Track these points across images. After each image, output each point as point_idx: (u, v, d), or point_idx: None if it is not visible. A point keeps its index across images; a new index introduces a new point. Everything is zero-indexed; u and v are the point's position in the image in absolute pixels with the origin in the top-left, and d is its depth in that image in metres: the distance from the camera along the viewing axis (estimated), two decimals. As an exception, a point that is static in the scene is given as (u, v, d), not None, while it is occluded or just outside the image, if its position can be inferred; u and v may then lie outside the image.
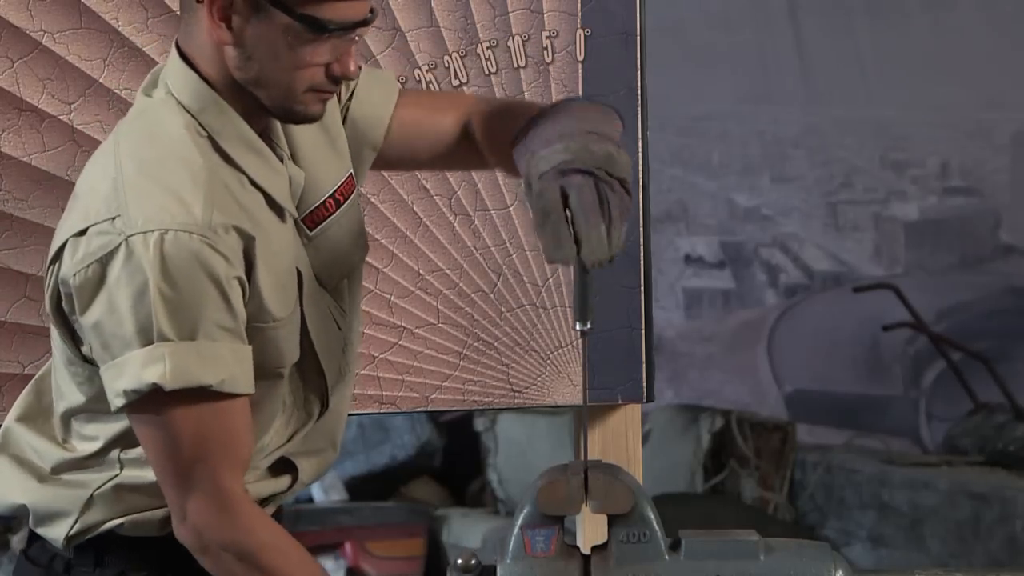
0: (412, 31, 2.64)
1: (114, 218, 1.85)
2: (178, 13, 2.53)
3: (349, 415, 2.65)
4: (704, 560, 1.77)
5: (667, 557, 1.77)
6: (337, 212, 2.03)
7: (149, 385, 1.83)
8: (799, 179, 7.14)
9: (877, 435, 6.61)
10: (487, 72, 2.67)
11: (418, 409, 2.71)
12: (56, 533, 1.99)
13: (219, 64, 1.91)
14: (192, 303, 1.83)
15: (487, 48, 2.67)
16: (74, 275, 1.85)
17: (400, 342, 2.66)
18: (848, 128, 7.07)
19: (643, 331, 2.72)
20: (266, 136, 1.97)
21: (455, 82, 2.66)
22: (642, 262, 2.71)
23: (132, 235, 1.83)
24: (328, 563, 5.43)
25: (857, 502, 5.54)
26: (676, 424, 5.92)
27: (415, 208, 2.65)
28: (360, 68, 2.02)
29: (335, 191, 2.03)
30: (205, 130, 1.92)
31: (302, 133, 2.01)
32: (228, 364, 1.86)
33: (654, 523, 1.77)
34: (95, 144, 2.29)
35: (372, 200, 2.64)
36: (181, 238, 1.83)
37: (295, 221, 1.99)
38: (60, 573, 2.00)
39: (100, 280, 1.84)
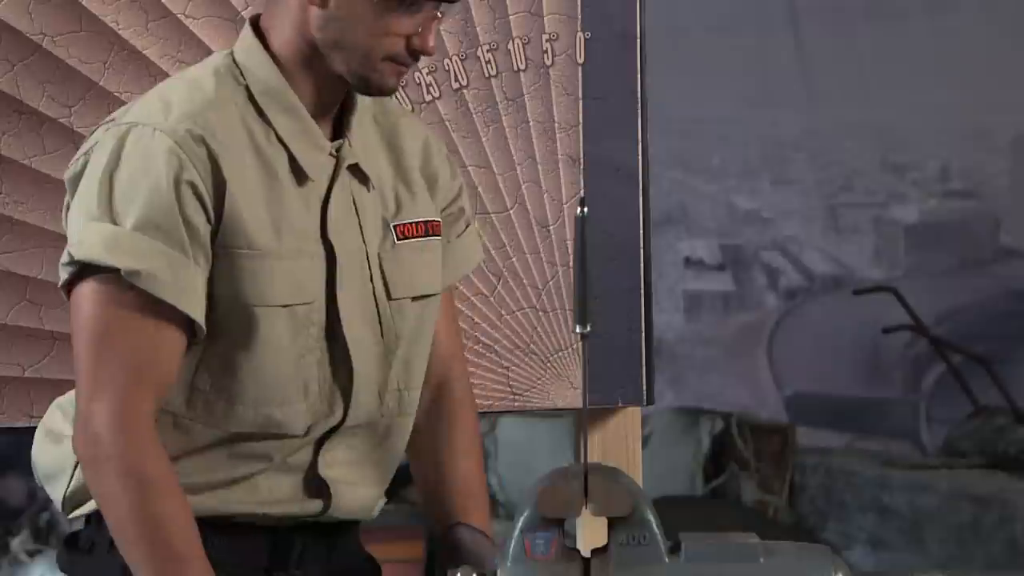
0: (412, 34, 2.64)
1: (109, 122, 1.95)
2: (178, 16, 2.54)
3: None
4: (704, 563, 1.77)
5: (667, 560, 1.77)
6: (418, 240, 2.06)
7: (67, 257, 1.88)
8: (799, 182, 7.15)
9: (877, 438, 6.60)
10: (487, 75, 2.67)
11: (418, 412, 2.70)
12: (56, 493, 2.01)
13: (297, 32, 1.96)
14: (131, 193, 1.87)
15: (487, 51, 2.67)
16: (68, 173, 1.96)
17: (400, 345, 2.66)
18: (848, 131, 7.07)
19: (643, 334, 2.72)
20: (329, 116, 2.01)
21: (455, 85, 2.66)
22: (642, 265, 2.71)
23: (108, 129, 1.92)
24: (328, 566, 5.43)
25: (857, 505, 5.55)
26: (676, 427, 5.93)
27: (415, 211, 2.65)
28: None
29: (424, 221, 2.07)
30: (245, 79, 1.97)
31: (374, 151, 2.05)
32: (151, 260, 1.86)
33: (654, 526, 1.77)
34: (95, 147, 2.30)
35: (372, 203, 2.64)
36: (143, 131, 1.90)
37: (391, 228, 2.03)
38: (105, 553, 1.98)
39: (80, 171, 1.93)
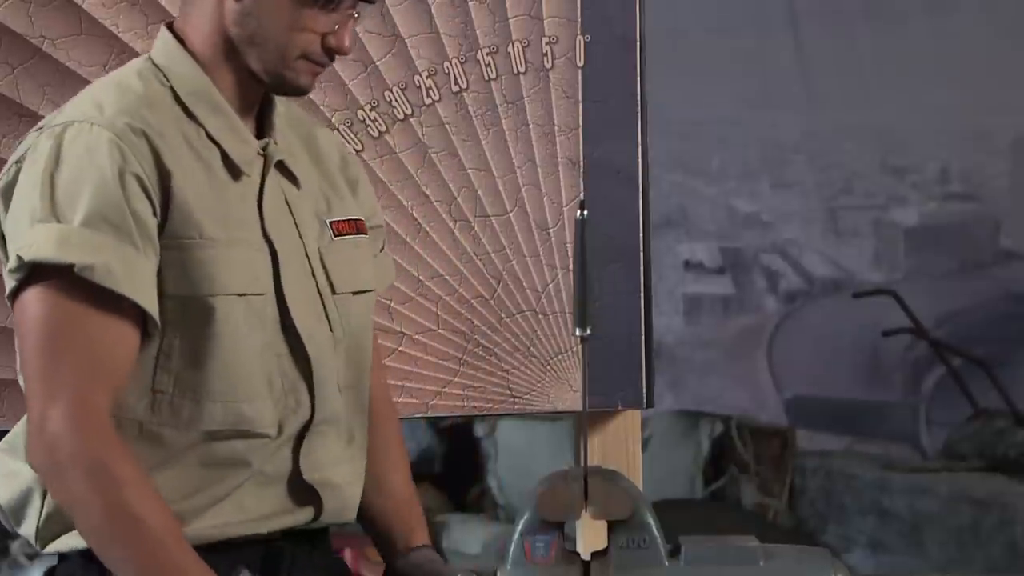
0: (412, 37, 2.64)
1: (37, 129, 1.94)
2: (178, 19, 2.54)
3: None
4: (704, 566, 1.77)
5: (667, 563, 1.77)
6: (351, 236, 2.07)
7: (16, 262, 1.84)
8: (799, 184, 7.15)
9: (877, 441, 6.61)
10: (487, 78, 2.67)
11: (418, 415, 2.71)
12: (28, 528, 1.97)
13: (215, 29, 1.96)
14: (75, 190, 1.85)
15: (487, 54, 2.67)
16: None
17: (400, 348, 2.66)
18: (848, 133, 7.07)
19: (643, 337, 2.72)
20: (251, 115, 2.01)
21: (455, 88, 2.66)
22: (642, 268, 2.71)
23: (40, 134, 1.91)
24: (328, 569, 5.43)
25: (857, 508, 5.55)
26: (676, 430, 5.93)
27: (415, 214, 2.65)
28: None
29: (354, 219, 2.09)
30: (169, 81, 1.97)
31: (296, 152, 2.05)
32: (104, 254, 1.84)
33: (654, 529, 1.77)
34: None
35: (372, 206, 2.64)
36: (80, 128, 1.89)
37: (327, 224, 2.04)
38: None
39: (13, 179, 1.91)
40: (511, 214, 2.69)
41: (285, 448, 2.00)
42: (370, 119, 2.64)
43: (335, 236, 2.06)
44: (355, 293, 2.07)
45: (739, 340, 7.12)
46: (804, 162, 7.16)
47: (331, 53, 1.96)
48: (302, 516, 2.02)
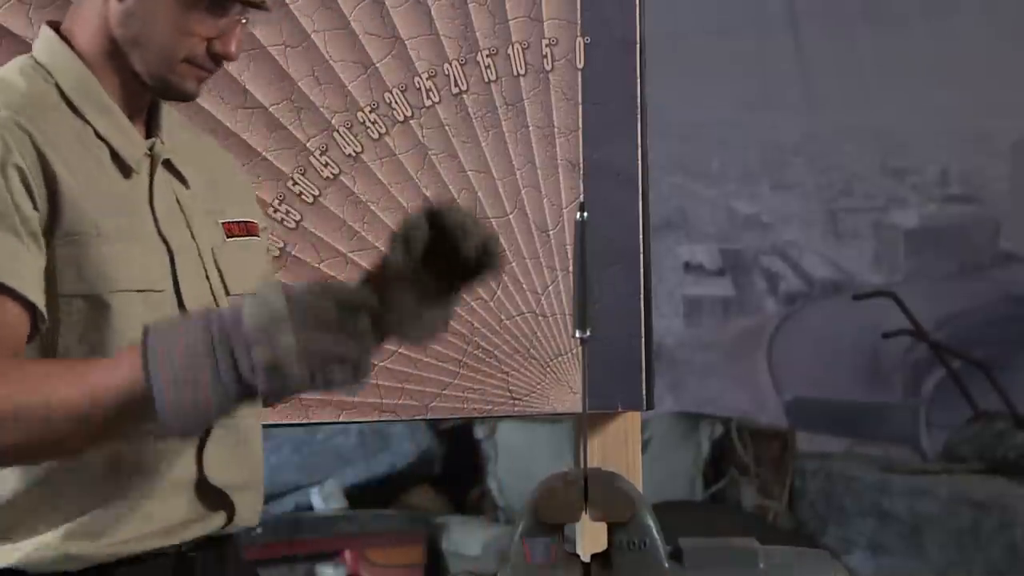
0: (412, 39, 2.64)
1: None
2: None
3: (349, 422, 2.65)
4: (704, 568, 1.77)
5: (667, 565, 1.77)
6: (243, 238, 2.04)
7: None
8: (799, 186, 7.15)
9: (877, 443, 6.61)
10: (487, 80, 2.67)
11: (418, 417, 2.71)
12: None
13: (100, 29, 1.92)
14: None
15: (487, 56, 2.67)
16: None
17: (400, 350, 2.66)
18: (848, 135, 7.07)
19: (643, 339, 2.72)
20: (141, 117, 1.97)
21: (455, 90, 2.66)
22: (642, 269, 2.71)
23: None
24: (328, 571, 5.43)
25: (857, 510, 5.55)
26: (676, 432, 5.93)
27: (415, 216, 2.65)
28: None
29: (245, 222, 2.06)
30: (53, 78, 1.93)
31: (185, 153, 2.02)
32: None
33: (654, 531, 1.77)
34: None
35: (372, 207, 2.64)
36: None
37: (219, 225, 2.01)
38: None
39: None
40: (511, 216, 2.69)
41: (189, 450, 1.95)
42: (370, 121, 2.64)
43: (228, 238, 2.03)
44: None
45: (739, 342, 7.12)
46: (804, 164, 7.16)
47: (217, 59, 1.92)
48: (216, 521, 1.98)
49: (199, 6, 1.88)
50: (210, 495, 1.97)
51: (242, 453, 2.02)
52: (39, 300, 1.83)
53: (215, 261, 1.99)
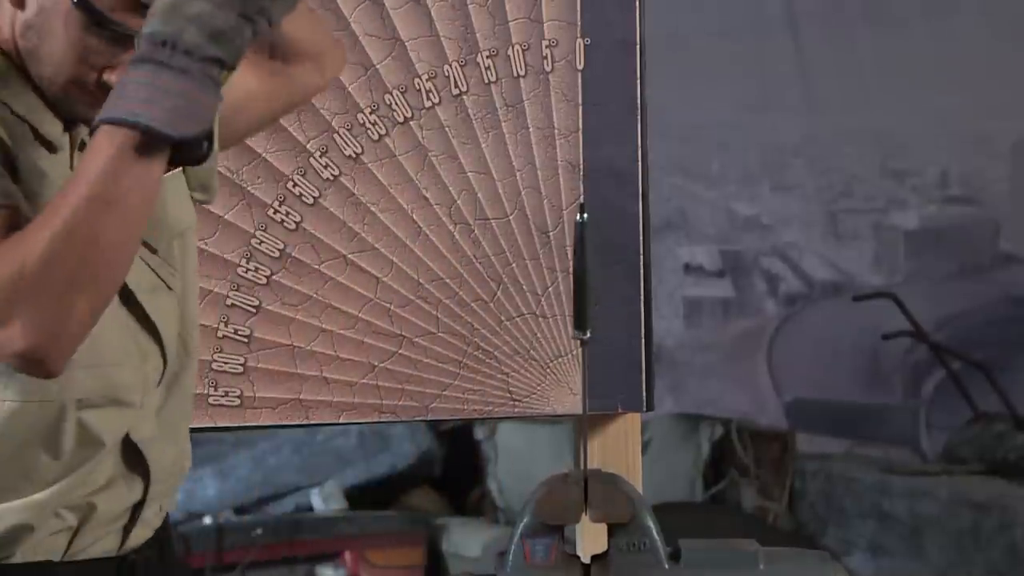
0: (412, 40, 2.64)
1: None
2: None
3: (349, 424, 2.65)
4: (704, 569, 1.77)
5: (667, 566, 1.77)
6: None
7: None
8: (799, 188, 7.15)
9: (877, 444, 6.61)
10: (487, 81, 2.67)
11: (418, 418, 2.71)
12: None
13: (10, 36, 1.88)
14: None
15: (487, 57, 2.67)
16: None
17: (400, 351, 2.66)
18: (848, 137, 7.07)
19: (643, 340, 2.72)
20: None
21: (455, 91, 2.67)
22: (642, 271, 2.71)
23: None
24: (328, 572, 5.43)
25: (857, 511, 5.55)
26: (676, 433, 5.93)
27: (415, 217, 2.65)
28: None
29: None
30: None
31: None
32: None
33: (654, 532, 1.77)
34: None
35: (372, 209, 2.64)
36: None
37: None
38: None
39: None
40: (511, 217, 2.69)
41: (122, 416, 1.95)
42: (370, 122, 2.64)
43: None
44: (172, 240, 2.01)
45: (739, 343, 7.12)
46: (804, 165, 7.16)
47: (105, 89, 1.82)
48: (136, 491, 1.96)
49: (101, 34, 1.82)
50: (128, 453, 1.95)
51: (168, 399, 2.01)
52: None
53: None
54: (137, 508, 1.99)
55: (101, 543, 1.95)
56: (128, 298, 1.94)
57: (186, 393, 2.06)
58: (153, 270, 1.98)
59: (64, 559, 1.91)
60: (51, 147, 1.90)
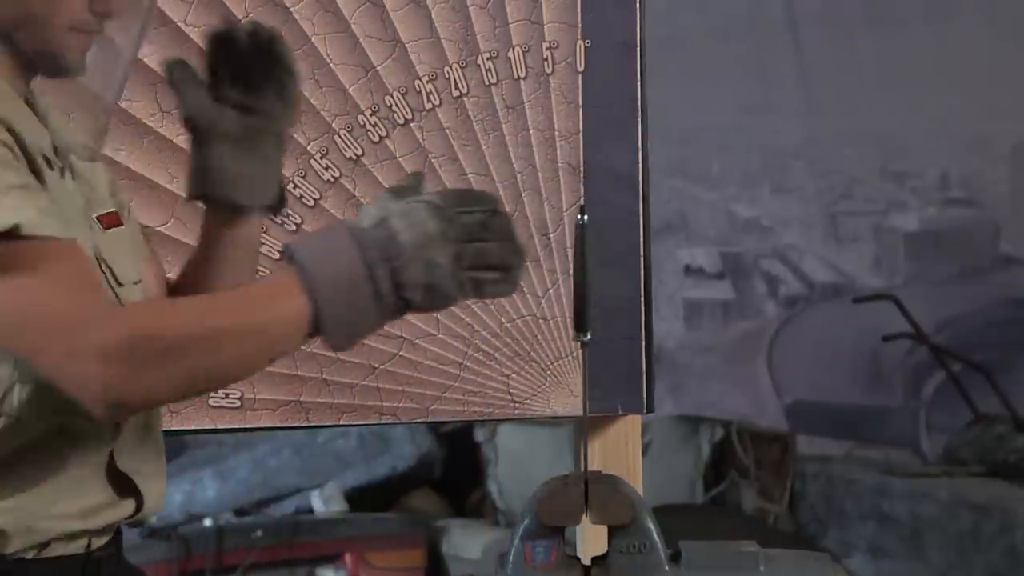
0: (412, 42, 2.64)
1: None
2: (179, 23, 2.54)
3: (349, 425, 2.65)
4: (704, 571, 1.77)
5: (667, 568, 1.77)
6: (116, 228, 2.01)
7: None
8: (799, 190, 7.15)
9: (877, 446, 6.61)
10: (487, 83, 2.67)
11: (418, 420, 2.71)
12: None
13: None
14: None
15: (487, 59, 2.67)
16: None
17: (400, 353, 2.66)
18: (848, 139, 7.07)
19: (643, 342, 2.72)
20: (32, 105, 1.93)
21: (455, 93, 2.67)
22: (642, 272, 2.71)
23: None
24: (328, 573, 5.43)
25: (857, 513, 5.55)
26: (676, 435, 5.93)
27: (415, 219, 2.65)
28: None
29: (114, 212, 2.02)
30: None
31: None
32: (24, 209, 1.74)
33: (654, 534, 1.77)
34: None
35: (372, 211, 2.64)
36: None
37: (95, 219, 1.96)
38: None
39: None
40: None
41: (101, 439, 1.94)
42: (370, 124, 2.64)
43: (105, 229, 1.99)
44: (135, 283, 2.02)
45: (739, 345, 7.12)
46: (804, 167, 7.16)
47: (100, 17, 1.88)
48: (126, 508, 1.97)
49: None
50: (119, 481, 1.95)
51: (148, 442, 2.01)
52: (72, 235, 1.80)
53: (101, 253, 1.95)
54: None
55: (74, 544, 1.95)
56: None
57: (157, 434, 2.05)
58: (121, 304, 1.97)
59: (36, 557, 1.91)
60: (50, 164, 1.90)
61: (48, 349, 1.73)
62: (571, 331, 2.68)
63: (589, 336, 1.83)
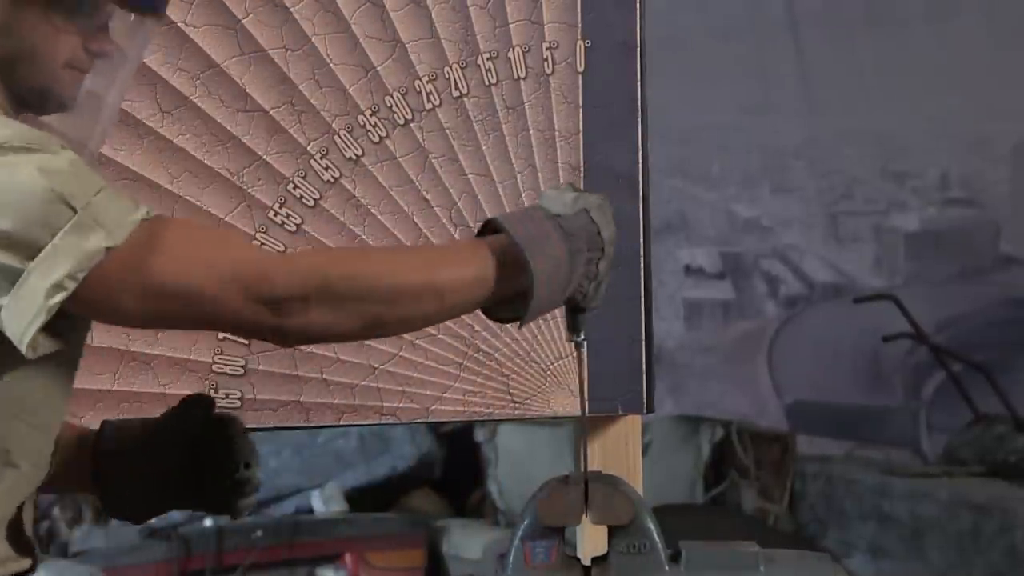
0: (412, 42, 2.64)
1: None
2: (179, 24, 2.54)
3: (349, 426, 2.65)
4: (704, 571, 1.77)
5: (667, 568, 1.77)
6: None
7: (99, 252, 1.69)
8: (799, 190, 7.15)
9: (877, 446, 6.61)
10: (487, 83, 2.67)
11: (418, 420, 2.71)
12: None
13: None
14: (76, 164, 1.75)
15: (487, 59, 2.67)
16: None
17: (400, 353, 2.66)
18: (848, 139, 7.07)
19: (643, 342, 2.72)
20: None
21: (455, 93, 2.67)
22: (642, 273, 2.71)
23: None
24: (328, 573, 5.44)
25: (857, 513, 5.55)
26: (676, 435, 5.93)
27: (415, 219, 2.65)
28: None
29: None
30: None
31: None
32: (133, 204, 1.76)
33: (654, 534, 1.78)
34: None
35: (372, 211, 2.64)
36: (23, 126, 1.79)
37: None
38: None
39: None
40: (511, 219, 2.69)
41: (16, 497, 1.93)
42: (370, 124, 2.64)
43: None
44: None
45: (739, 345, 7.12)
46: (804, 167, 7.17)
47: (94, 56, 1.89)
48: (23, 564, 1.95)
49: (67, 11, 1.85)
50: (20, 542, 1.94)
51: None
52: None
53: None
54: None
55: None
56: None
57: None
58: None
59: None
60: None
61: (234, 297, 1.76)
62: (564, 332, 2.68)
63: (583, 337, 1.83)
